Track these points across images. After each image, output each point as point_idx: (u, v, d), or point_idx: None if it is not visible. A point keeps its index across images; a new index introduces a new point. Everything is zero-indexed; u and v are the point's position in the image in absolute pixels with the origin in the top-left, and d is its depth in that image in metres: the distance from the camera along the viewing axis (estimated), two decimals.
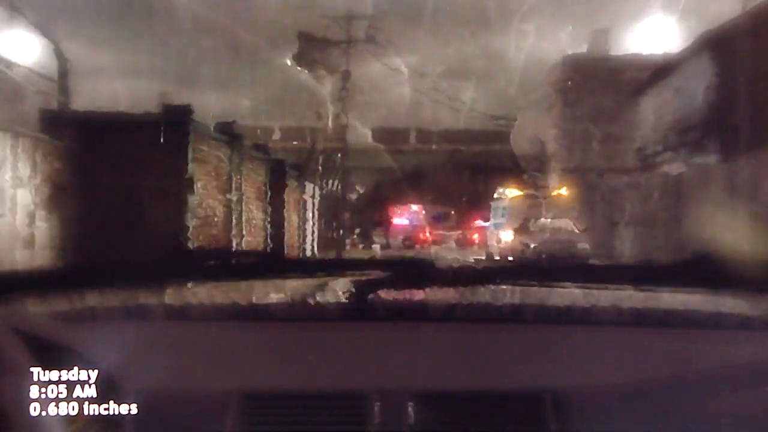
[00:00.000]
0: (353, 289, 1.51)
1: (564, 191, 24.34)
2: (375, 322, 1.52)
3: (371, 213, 35.02)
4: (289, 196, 21.31)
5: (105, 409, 1.22)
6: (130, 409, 1.25)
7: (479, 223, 34.89)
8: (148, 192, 11.89)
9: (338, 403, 1.31)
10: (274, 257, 3.03)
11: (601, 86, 27.88)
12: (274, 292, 1.74)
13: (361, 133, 32.43)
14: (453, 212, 40.21)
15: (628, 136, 25.87)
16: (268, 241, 18.53)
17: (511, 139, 31.24)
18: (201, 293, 1.64)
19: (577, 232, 21.24)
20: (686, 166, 20.27)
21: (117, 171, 11.83)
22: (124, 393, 1.25)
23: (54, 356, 1.22)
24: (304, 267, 1.86)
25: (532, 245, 20.02)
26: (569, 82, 28.69)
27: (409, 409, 1.29)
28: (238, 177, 15.94)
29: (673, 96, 22.32)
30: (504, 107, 32.18)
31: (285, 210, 20.44)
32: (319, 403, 1.31)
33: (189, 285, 1.64)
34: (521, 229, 21.37)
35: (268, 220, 18.64)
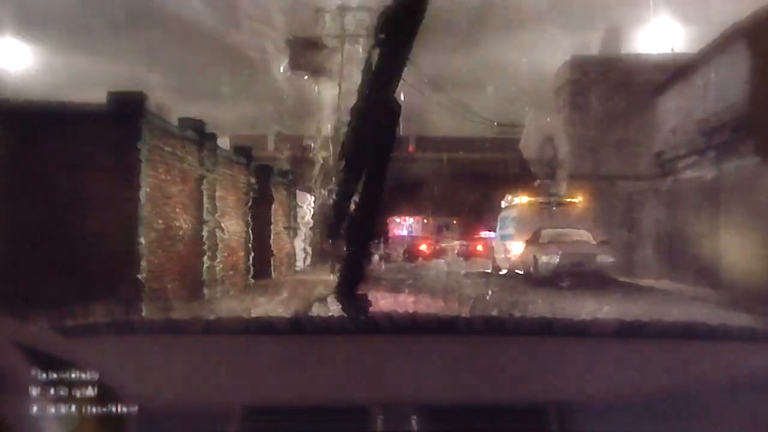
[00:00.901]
0: (356, 303, 1.54)
1: (578, 199, 22.15)
2: (378, 335, 1.53)
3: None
4: (278, 207, 19.31)
5: (107, 423, 1.19)
6: (132, 423, 1.22)
7: (484, 234, 33.58)
8: (88, 200, 9.72)
9: (341, 416, 1.30)
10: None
11: (614, 88, 25.84)
12: (276, 306, 0.89)
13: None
14: (455, 222, 38.58)
15: (645, 140, 23.77)
16: (250, 260, 16.45)
17: (520, 144, 29.22)
18: (203, 307, 0.83)
19: (595, 243, 19.03)
20: (717, 169, 18.14)
21: (50, 174, 9.70)
22: (126, 407, 1.21)
23: (55, 370, 1.16)
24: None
25: (545, 258, 17.89)
26: (579, 84, 26.68)
27: (413, 421, 1.28)
28: (211, 184, 13.84)
29: (698, 95, 20.25)
30: (510, 112, 30.48)
31: (272, 223, 18.42)
32: (322, 416, 1.30)
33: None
34: (532, 241, 19.24)
35: (249, 235, 16.57)
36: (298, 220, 22.15)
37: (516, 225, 21.26)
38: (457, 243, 35.20)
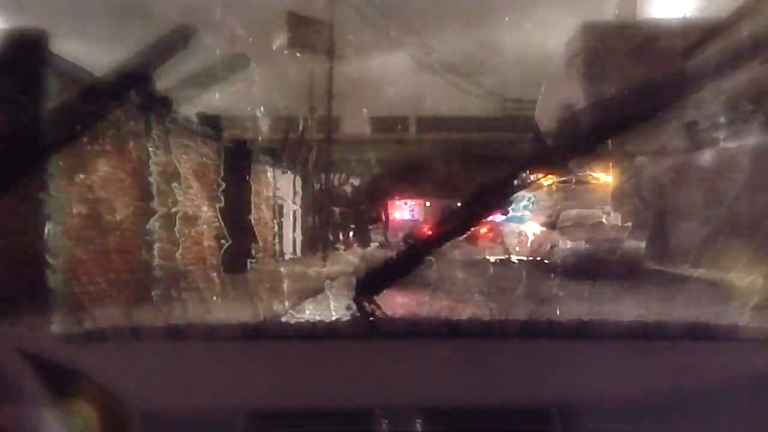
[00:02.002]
0: (360, 306, 1.53)
1: (601, 176, 19.56)
2: (381, 338, 1.55)
3: (368, 208, 30.18)
4: (260, 190, 16.86)
5: (110, 429, 1.19)
6: (134, 429, 1.23)
7: (493, 217, 31.05)
8: None
9: (346, 420, 1.30)
10: None
11: (632, 55, 23.06)
12: (279, 311, 0.85)
13: (357, 121, 31.20)
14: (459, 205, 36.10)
15: (673, 111, 21.13)
16: (221, 251, 13.96)
17: (535, 115, 26.16)
18: (207, 312, 0.81)
19: (622, 226, 16.43)
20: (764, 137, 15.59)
21: None
22: (128, 413, 1.23)
23: (57, 377, 1.17)
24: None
25: (567, 244, 15.32)
26: (593, 53, 23.91)
27: (417, 425, 1.28)
28: (162, 161, 11.34)
29: (734, 59, 17.67)
30: (521, 88, 28.10)
31: (251, 208, 15.98)
32: (326, 420, 1.30)
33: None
34: (551, 224, 16.82)
35: (220, 222, 14.10)
36: (287, 204, 19.70)
37: (532, 207, 19.04)
38: None
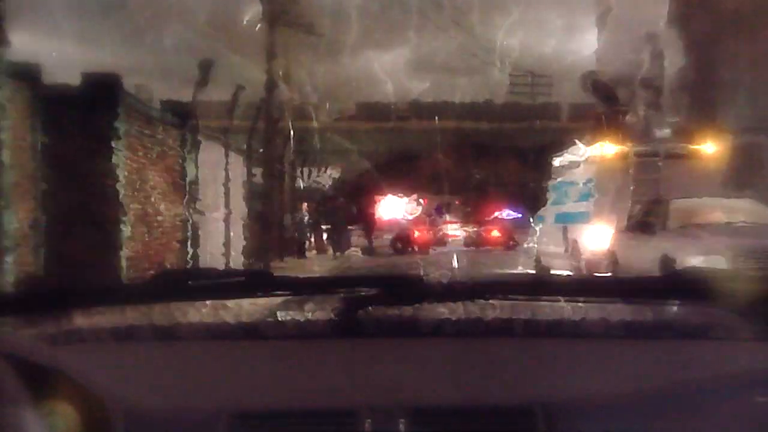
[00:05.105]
0: (342, 306, 1.51)
1: (708, 146, 12.43)
2: (364, 338, 1.53)
3: (348, 205, 25.22)
4: (211, 184, 12.22)
5: (94, 431, 1.22)
6: (119, 431, 1.25)
7: (504, 214, 28.41)
8: None
9: (329, 421, 1.30)
10: None
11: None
12: (262, 310, 1.71)
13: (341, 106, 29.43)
14: (457, 202, 32.33)
15: None
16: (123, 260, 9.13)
17: (596, 56, 19.45)
18: (189, 313, 1.63)
19: None
20: None
21: None
22: (113, 414, 1.26)
23: (41, 379, 1.21)
24: None
25: (698, 259, 8.43)
26: None
27: (401, 425, 1.29)
28: None
29: None
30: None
31: (193, 205, 11.26)
32: (309, 421, 1.31)
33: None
34: (644, 224, 10.19)
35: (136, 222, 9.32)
36: (240, 201, 14.89)
37: (594, 195, 12.19)
38: (465, 228, 28.57)
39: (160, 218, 10.05)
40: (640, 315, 1.57)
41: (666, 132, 12.86)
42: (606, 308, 1.54)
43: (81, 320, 1.53)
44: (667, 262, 8.69)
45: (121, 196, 8.48)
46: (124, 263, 8.51)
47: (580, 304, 1.56)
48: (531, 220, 19.68)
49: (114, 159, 8.35)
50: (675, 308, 1.59)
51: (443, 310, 1.51)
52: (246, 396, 1.35)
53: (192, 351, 1.51)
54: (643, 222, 10.16)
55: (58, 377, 1.20)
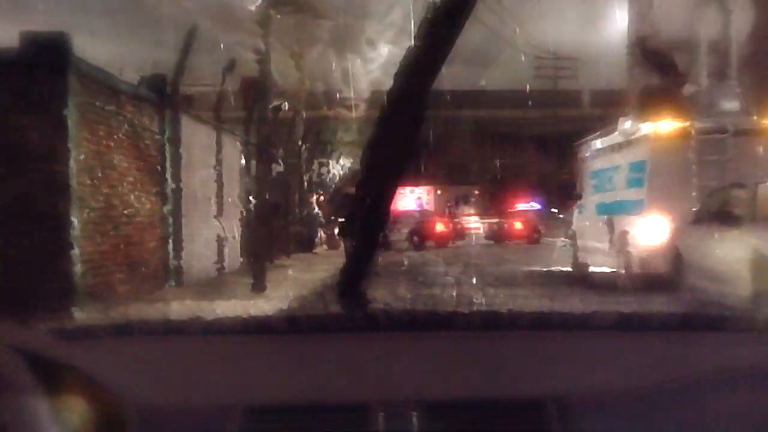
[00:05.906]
0: (354, 300, 1.58)
1: None
2: (377, 332, 1.54)
3: (362, 197, 23.76)
4: (200, 174, 10.78)
5: (106, 426, 1.18)
6: (131, 426, 1.22)
7: (528, 206, 27.05)
8: None
9: (341, 415, 1.29)
10: None
11: None
12: (274, 306, 1.30)
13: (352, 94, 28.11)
14: (477, 193, 31.40)
15: None
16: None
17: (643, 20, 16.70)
18: (201, 307, 1.22)
19: None
20: None
21: None
22: (125, 409, 1.21)
23: (53, 374, 1.15)
24: None
25: None
26: None
27: (413, 419, 1.28)
28: None
29: None
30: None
31: (180, 199, 9.77)
32: (322, 415, 1.30)
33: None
34: (716, 215, 8.61)
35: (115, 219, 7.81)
36: (237, 196, 13.43)
37: (646, 181, 10.46)
38: (486, 220, 27.25)
39: (129, 212, 8.50)
40: (651, 307, 0.87)
41: (734, 104, 11.13)
42: (618, 301, 1.16)
43: (94, 315, 1.03)
44: (760, 260, 7.02)
45: (72, 184, 6.95)
46: (77, 266, 6.98)
47: (590, 296, 1.14)
48: (556, 212, 18.10)
49: (61, 138, 6.81)
50: (689, 300, 1.09)
51: (455, 304, 1.11)
52: (259, 391, 1.36)
53: (204, 346, 1.52)
54: (722, 212, 8.45)
55: (71, 372, 1.16)
